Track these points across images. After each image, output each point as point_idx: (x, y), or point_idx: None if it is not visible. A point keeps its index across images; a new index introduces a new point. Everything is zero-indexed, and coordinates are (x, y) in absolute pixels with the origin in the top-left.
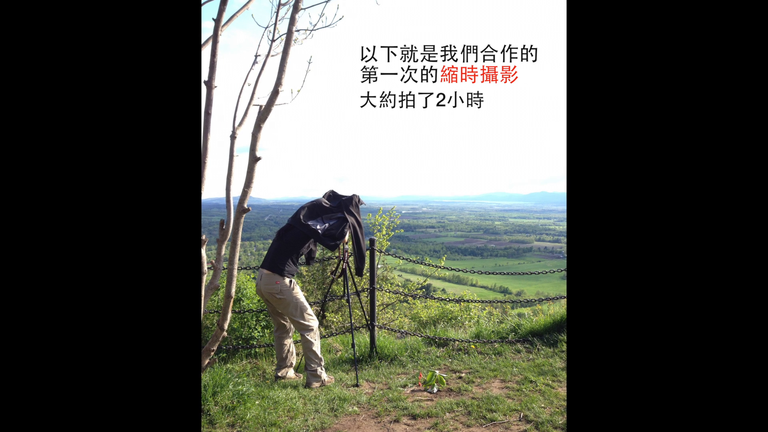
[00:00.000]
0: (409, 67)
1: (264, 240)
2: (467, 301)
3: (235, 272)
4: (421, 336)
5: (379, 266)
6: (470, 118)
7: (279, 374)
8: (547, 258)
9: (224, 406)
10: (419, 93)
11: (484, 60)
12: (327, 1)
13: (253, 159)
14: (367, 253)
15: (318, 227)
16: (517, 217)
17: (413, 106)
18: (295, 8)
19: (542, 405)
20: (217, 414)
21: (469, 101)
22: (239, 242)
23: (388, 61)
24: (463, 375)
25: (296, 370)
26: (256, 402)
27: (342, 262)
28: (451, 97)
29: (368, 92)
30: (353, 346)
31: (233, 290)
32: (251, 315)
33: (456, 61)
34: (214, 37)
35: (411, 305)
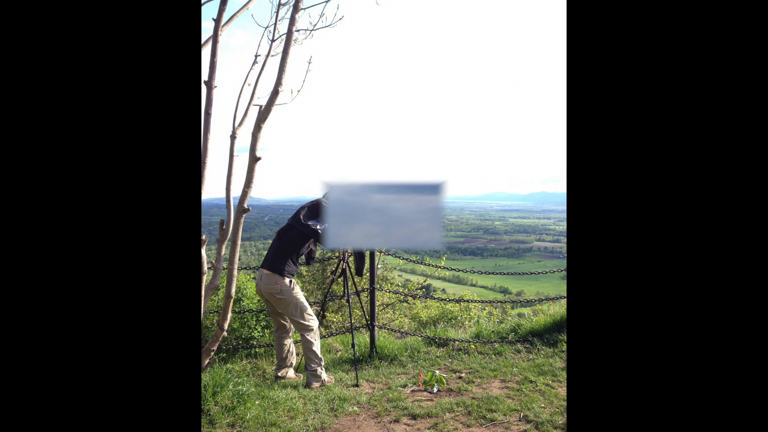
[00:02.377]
0: None
1: (264, 240)
2: (467, 301)
3: (235, 272)
4: (421, 336)
5: (379, 266)
6: (470, 118)
7: (279, 374)
8: (547, 258)
9: (224, 406)
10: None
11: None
12: (327, 1)
13: (253, 159)
14: (367, 253)
15: (318, 227)
16: (517, 217)
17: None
18: (295, 8)
19: (542, 405)
20: (217, 414)
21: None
22: (239, 242)
23: None
24: (463, 375)
25: (296, 370)
26: (256, 402)
27: (342, 262)
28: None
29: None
30: (353, 346)
31: (233, 290)
32: (251, 315)
33: None
34: (214, 37)
35: (411, 305)
